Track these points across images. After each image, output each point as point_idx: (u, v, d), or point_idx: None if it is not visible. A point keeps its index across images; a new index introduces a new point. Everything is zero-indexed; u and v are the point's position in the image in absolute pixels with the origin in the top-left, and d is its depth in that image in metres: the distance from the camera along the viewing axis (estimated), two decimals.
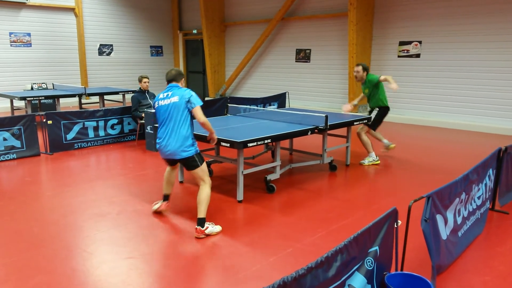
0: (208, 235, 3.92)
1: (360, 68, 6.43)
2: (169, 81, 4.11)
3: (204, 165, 4.09)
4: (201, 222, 3.92)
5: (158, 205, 4.49)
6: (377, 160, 6.59)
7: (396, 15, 10.71)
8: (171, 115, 3.95)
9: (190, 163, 4.01)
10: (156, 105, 4.09)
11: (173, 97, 3.96)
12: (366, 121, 6.40)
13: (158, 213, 4.49)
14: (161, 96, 4.08)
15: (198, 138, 4.85)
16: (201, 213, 3.94)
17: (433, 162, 6.67)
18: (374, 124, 6.56)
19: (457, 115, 9.94)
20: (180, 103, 3.93)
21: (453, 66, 9.91)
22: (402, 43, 10.71)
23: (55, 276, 3.21)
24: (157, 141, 4.10)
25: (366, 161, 6.56)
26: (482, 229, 4.05)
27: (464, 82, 9.78)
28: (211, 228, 3.97)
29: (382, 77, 6.30)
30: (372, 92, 6.50)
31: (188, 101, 3.94)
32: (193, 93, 4.01)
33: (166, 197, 4.51)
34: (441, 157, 6.98)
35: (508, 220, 4.35)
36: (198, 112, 3.92)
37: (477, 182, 3.75)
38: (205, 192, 4.00)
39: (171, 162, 4.29)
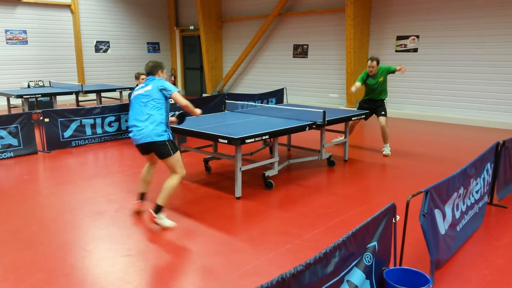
0: (158, 224, 3.97)
1: (375, 63, 6.59)
2: (147, 74, 4.17)
3: (178, 155, 4.04)
4: (157, 209, 3.96)
5: (134, 204, 4.37)
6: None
7: (394, 10, 10.68)
8: (144, 103, 3.98)
9: (162, 150, 3.95)
10: (132, 97, 4.13)
11: (147, 87, 4.03)
12: (383, 112, 6.66)
13: (137, 213, 4.35)
14: (136, 88, 4.16)
15: (197, 135, 4.84)
16: (160, 200, 3.96)
17: (431, 156, 6.68)
18: (386, 115, 6.80)
19: (455, 109, 9.95)
20: (154, 91, 3.99)
21: (450, 61, 9.90)
22: (399, 38, 10.69)
23: (53, 274, 3.20)
24: (130, 129, 4.08)
25: (389, 151, 6.74)
26: (481, 223, 4.05)
27: (462, 77, 9.78)
28: (164, 220, 3.98)
29: (399, 67, 6.57)
30: (383, 84, 6.69)
31: (164, 89, 3.99)
32: (166, 82, 4.09)
33: (141, 196, 4.37)
34: (439, 152, 6.98)
35: (506, 214, 4.36)
36: (178, 96, 4.00)
37: (475, 176, 3.75)
38: (172, 181, 4.00)
39: (145, 151, 4.16)
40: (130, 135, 4.07)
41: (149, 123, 3.91)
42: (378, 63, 6.62)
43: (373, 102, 6.80)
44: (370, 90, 6.79)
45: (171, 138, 4.05)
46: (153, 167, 4.39)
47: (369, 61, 6.60)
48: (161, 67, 4.17)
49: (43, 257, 3.47)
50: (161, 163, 4.15)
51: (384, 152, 6.74)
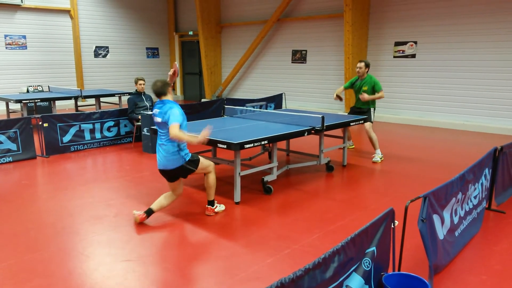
0: (216, 213, 4.51)
1: (362, 64, 6.70)
2: (157, 94, 4.15)
3: (201, 162, 4.27)
4: (211, 203, 4.50)
5: (138, 213, 4.25)
6: (382, 156, 6.84)
7: (392, 16, 10.74)
8: (159, 131, 4.22)
9: (184, 172, 4.22)
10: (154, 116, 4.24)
11: (158, 117, 4.10)
12: (366, 119, 6.66)
13: (139, 224, 4.24)
14: (155, 109, 4.19)
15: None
16: (210, 196, 4.47)
17: (429, 162, 6.69)
18: (371, 120, 6.84)
19: (453, 115, 9.98)
20: (163, 122, 4.07)
21: (448, 66, 9.95)
22: (397, 44, 10.75)
23: (52, 279, 3.20)
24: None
25: (378, 159, 6.71)
26: (479, 228, 4.06)
27: (460, 82, 9.82)
28: (219, 207, 4.57)
29: (382, 93, 6.68)
30: (367, 92, 6.69)
31: (168, 120, 4.03)
32: (173, 110, 4.02)
33: (149, 212, 4.26)
34: (437, 157, 7.00)
35: (504, 219, 4.37)
36: (171, 130, 3.95)
37: (474, 181, 3.77)
38: (210, 178, 4.41)
39: (168, 177, 4.25)
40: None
41: (164, 154, 4.14)
42: (366, 66, 6.69)
43: (358, 110, 6.91)
44: (355, 93, 6.92)
45: (187, 158, 4.17)
46: (175, 192, 4.37)
47: (358, 63, 6.77)
48: (169, 85, 4.22)
49: (41, 262, 3.47)
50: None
51: (373, 159, 6.74)
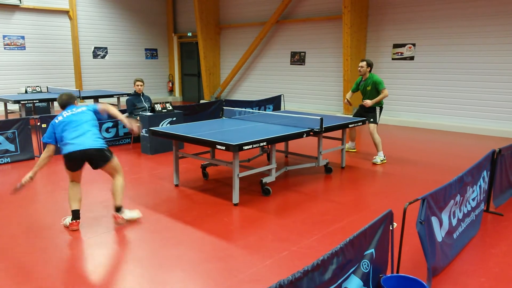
0: (128, 221, 4.26)
1: (364, 63, 6.72)
2: (64, 105, 4.32)
3: (115, 159, 4.33)
4: (118, 209, 4.22)
5: (67, 220, 4.17)
6: (385, 159, 6.82)
7: (390, 18, 10.77)
8: (81, 121, 4.18)
9: (103, 156, 4.16)
10: (57, 121, 4.16)
11: (79, 109, 4.26)
12: (372, 119, 6.74)
13: (74, 230, 4.11)
14: (59, 116, 4.23)
15: (194, 141, 4.84)
16: (118, 201, 4.23)
17: (427, 164, 6.70)
18: (375, 122, 6.84)
19: (451, 117, 10.01)
20: (89, 111, 4.28)
21: (447, 69, 9.98)
22: (396, 46, 10.77)
23: (48, 280, 3.19)
24: (70, 142, 4.09)
25: (378, 160, 6.69)
26: (477, 231, 4.07)
27: (458, 84, 9.84)
28: (129, 214, 4.29)
29: (385, 92, 6.67)
30: (371, 92, 6.73)
31: (94, 110, 4.31)
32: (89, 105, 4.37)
33: (76, 213, 4.14)
34: (436, 159, 7.01)
35: (502, 221, 4.37)
36: (101, 105, 4.34)
37: (472, 184, 3.77)
38: (119, 182, 4.29)
39: (78, 165, 4.22)
40: (70, 148, 4.23)
41: (90, 137, 4.25)
42: (368, 65, 6.71)
43: (363, 108, 6.88)
44: (362, 95, 6.95)
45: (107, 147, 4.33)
46: (78, 181, 4.39)
47: (360, 62, 6.79)
48: (75, 98, 4.47)
49: (39, 263, 3.46)
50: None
51: (373, 161, 6.74)
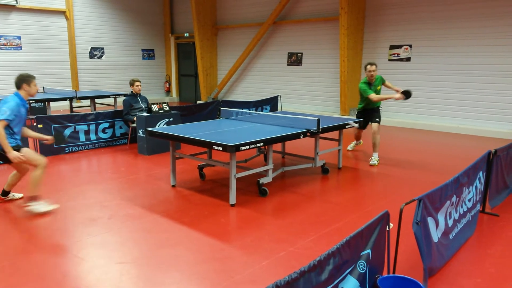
0: (34, 212, 4.42)
1: (374, 67, 6.66)
2: (15, 86, 4.46)
3: (28, 153, 4.46)
4: (32, 198, 4.46)
5: (39, 207, 4.53)
6: (379, 160, 6.88)
7: (387, 19, 10.80)
8: None
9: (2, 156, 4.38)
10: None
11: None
12: (378, 119, 6.80)
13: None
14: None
15: (191, 141, 4.83)
16: (29, 191, 4.44)
17: (423, 165, 6.72)
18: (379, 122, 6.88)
19: (447, 118, 10.04)
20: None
21: (443, 70, 10.02)
22: (392, 47, 10.80)
23: (45, 282, 3.18)
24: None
25: (375, 161, 6.71)
26: (473, 231, 4.08)
27: (454, 86, 9.88)
28: (38, 206, 4.47)
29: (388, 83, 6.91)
30: (380, 92, 6.83)
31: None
32: (7, 105, 4.30)
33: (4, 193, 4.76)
34: (432, 160, 7.04)
35: (498, 222, 4.39)
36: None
37: (468, 184, 3.79)
38: (37, 172, 4.47)
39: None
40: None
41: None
42: (376, 67, 6.76)
43: (370, 110, 6.87)
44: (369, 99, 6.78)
45: (13, 146, 4.43)
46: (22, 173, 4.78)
47: (369, 66, 6.63)
48: (24, 80, 4.42)
49: (35, 264, 3.44)
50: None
51: (370, 162, 6.73)
